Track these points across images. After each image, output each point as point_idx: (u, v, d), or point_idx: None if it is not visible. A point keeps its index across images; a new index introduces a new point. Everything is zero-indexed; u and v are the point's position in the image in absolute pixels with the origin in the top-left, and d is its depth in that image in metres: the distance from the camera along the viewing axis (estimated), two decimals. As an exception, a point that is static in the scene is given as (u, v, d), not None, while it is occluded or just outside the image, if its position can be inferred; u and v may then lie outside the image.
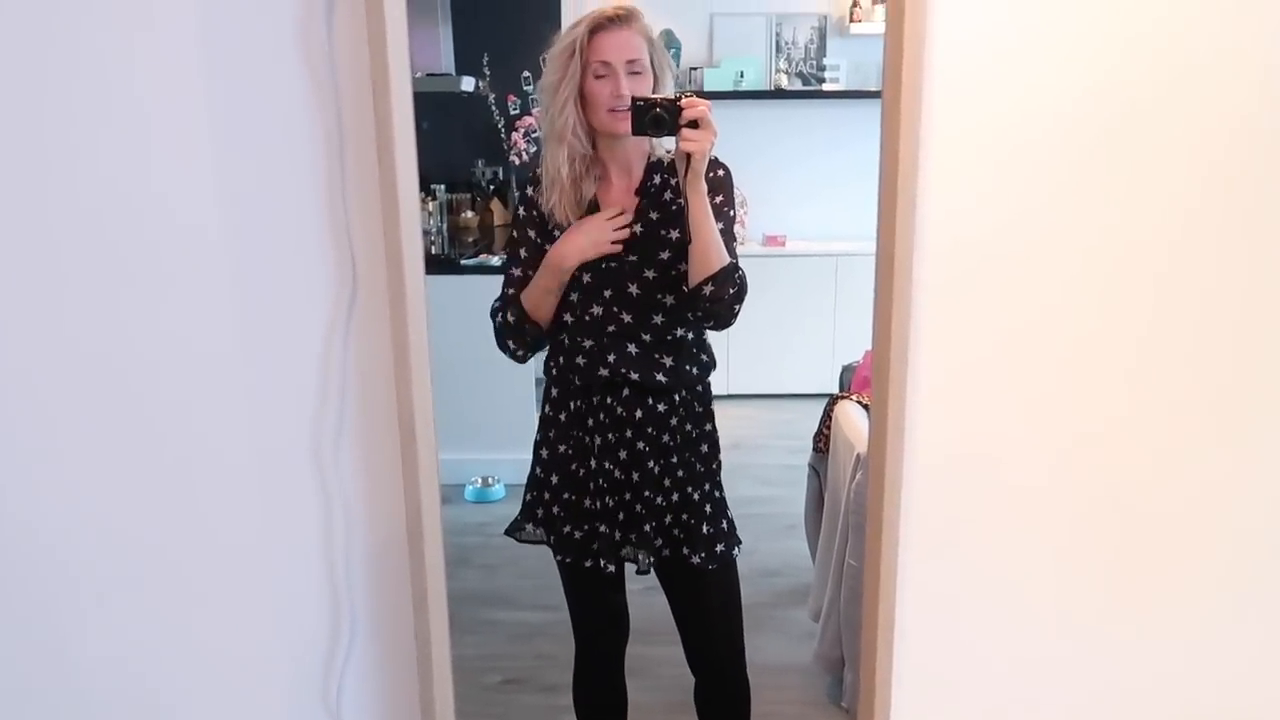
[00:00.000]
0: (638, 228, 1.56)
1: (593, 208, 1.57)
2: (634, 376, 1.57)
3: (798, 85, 4.67)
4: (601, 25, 1.49)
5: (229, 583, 1.10)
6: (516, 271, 1.62)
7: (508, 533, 1.73)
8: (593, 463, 1.62)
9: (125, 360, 1.05)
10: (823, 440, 2.54)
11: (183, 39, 0.96)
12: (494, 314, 1.64)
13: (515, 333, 1.61)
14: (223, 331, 1.03)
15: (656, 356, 1.58)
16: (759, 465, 3.70)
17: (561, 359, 1.61)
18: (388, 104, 0.88)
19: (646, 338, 1.57)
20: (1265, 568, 1.13)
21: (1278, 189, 1.03)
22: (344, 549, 1.06)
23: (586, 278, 1.55)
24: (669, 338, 1.59)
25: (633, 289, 1.55)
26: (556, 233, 1.57)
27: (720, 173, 1.55)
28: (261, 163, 0.99)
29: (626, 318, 1.56)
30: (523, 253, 1.62)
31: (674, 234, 1.54)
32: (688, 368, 1.62)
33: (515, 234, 1.63)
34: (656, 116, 1.43)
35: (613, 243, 1.54)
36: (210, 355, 1.04)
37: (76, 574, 1.10)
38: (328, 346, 1.01)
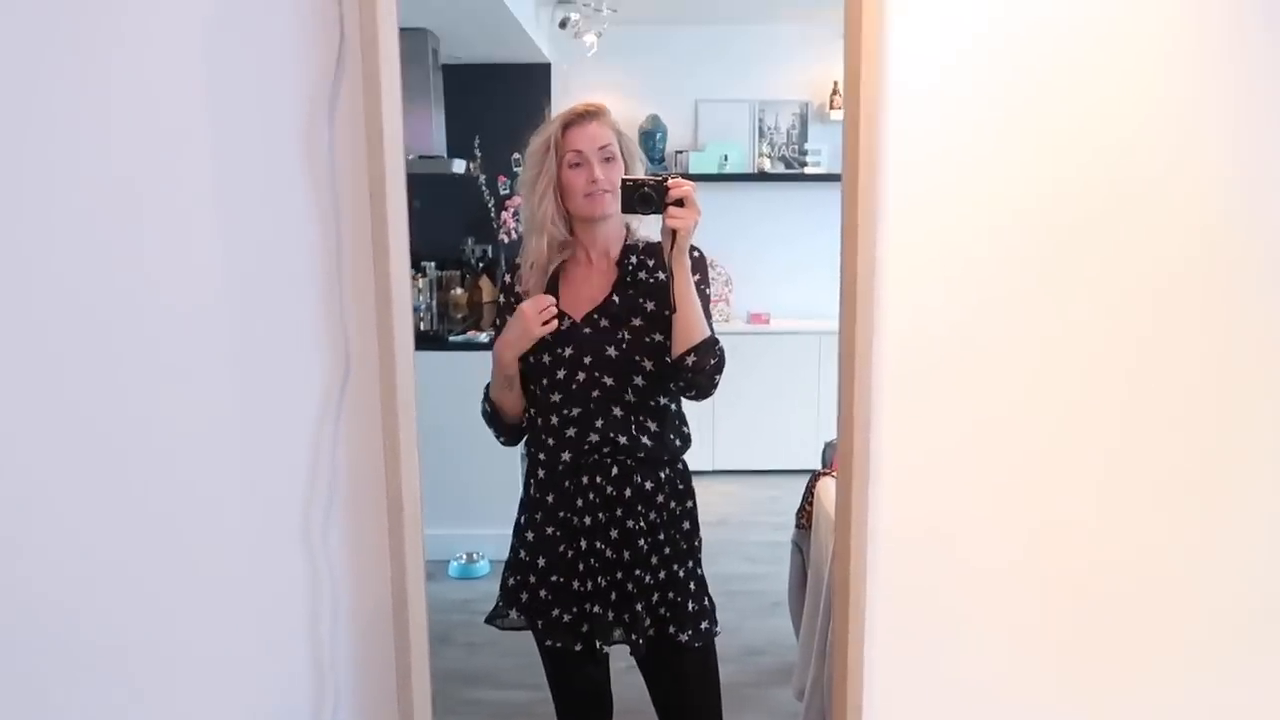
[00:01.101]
0: (615, 298, 1.61)
1: (553, 286, 1.63)
2: (622, 441, 1.60)
3: (780, 168, 4.80)
4: (573, 120, 1.60)
5: (215, 656, 1.11)
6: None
7: (489, 621, 1.73)
8: (583, 543, 1.63)
9: (121, 439, 1.07)
10: (805, 516, 2.55)
11: (192, 128, 1.02)
12: (483, 397, 1.69)
13: (493, 421, 1.69)
14: (219, 410, 1.07)
15: (641, 419, 1.62)
16: (744, 542, 3.69)
17: (550, 438, 1.63)
18: (383, 197, 0.93)
19: (631, 399, 1.61)
20: (1225, 653, 1.16)
21: (1235, 286, 1.09)
22: (330, 626, 1.08)
23: (568, 350, 1.60)
24: (651, 403, 1.63)
25: (610, 351, 1.60)
26: None
27: (696, 254, 1.62)
28: (262, 249, 1.04)
29: (609, 380, 1.61)
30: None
31: (650, 305, 1.60)
32: (671, 438, 1.66)
33: (497, 321, 1.70)
34: (644, 195, 1.51)
35: (545, 325, 1.57)
36: (205, 434, 1.07)
37: (65, 644, 1.11)
38: (320, 426, 1.04)
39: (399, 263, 0.95)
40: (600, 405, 1.61)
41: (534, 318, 1.57)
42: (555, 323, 1.58)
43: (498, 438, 1.70)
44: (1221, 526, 1.14)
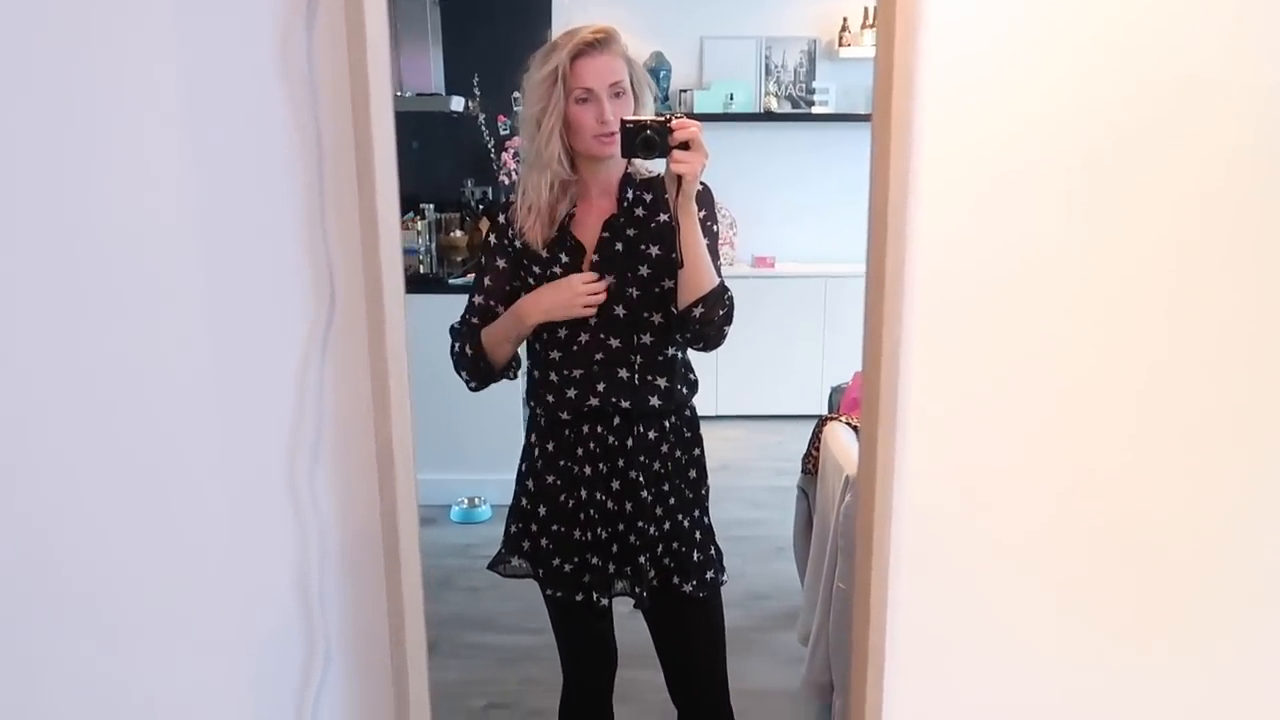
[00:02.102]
0: (618, 245, 1.55)
1: (563, 230, 1.55)
2: (624, 404, 1.55)
3: (787, 108, 4.69)
4: (582, 51, 1.48)
5: (199, 609, 1.08)
6: (478, 299, 1.60)
7: (491, 567, 1.71)
8: (583, 493, 1.60)
9: (97, 379, 1.03)
10: (811, 462, 2.53)
11: (159, 55, 0.95)
12: (452, 336, 1.62)
13: (470, 365, 1.60)
14: (197, 351, 1.02)
15: (650, 379, 1.57)
16: (748, 487, 3.68)
17: (550, 394, 1.58)
18: (368, 121, 0.87)
19: (638, 360, 1.56)
20: (1267, 604, 1.12)
21: (1271, 205, 1.03)
22: (318, 575, 1.04)
23: None
24: (660, 358, 1.58)
25: (619, 310, 1.54)
26: (525, 260, 1.56)
27: (700, 187, 1.54)
28: (239, 181, 0.98)
29: (615, 342, 1.55)
30: (487, 280, 1.60)
31: (654, 250, 1.53)
32: (679, 388, 1.61)
33: (483, 259, 1.61)
34: (647, 139, 1.42)
35: (590, 306, 1.51)
36: (184, 375, 1.02)
37: (42, 597, 1.08)
38: (304, 367, 1.00)
39: (386, 192, 0.89)
40: (604, 368, 1.55)
41: (583, 294, 1.50)
42: (598, 300, 1.51)
43: (468, 383, 1.63)
44: (1272, 468, 1.08)
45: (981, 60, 0.98)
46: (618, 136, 1.46)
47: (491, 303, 1.59)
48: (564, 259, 1.55)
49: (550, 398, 1.58)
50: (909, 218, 0.97)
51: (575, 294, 1.50)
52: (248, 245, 0.99)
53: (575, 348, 1.55)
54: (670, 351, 1.59)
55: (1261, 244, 1.03)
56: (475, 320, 1.60)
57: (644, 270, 1.54)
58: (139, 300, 1.01)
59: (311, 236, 0.96)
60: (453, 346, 1.62)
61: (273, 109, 0.94)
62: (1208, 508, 1.09)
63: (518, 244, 1.57)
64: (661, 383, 1.58)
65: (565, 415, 1.57)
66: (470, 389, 1.64)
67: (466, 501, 3.47)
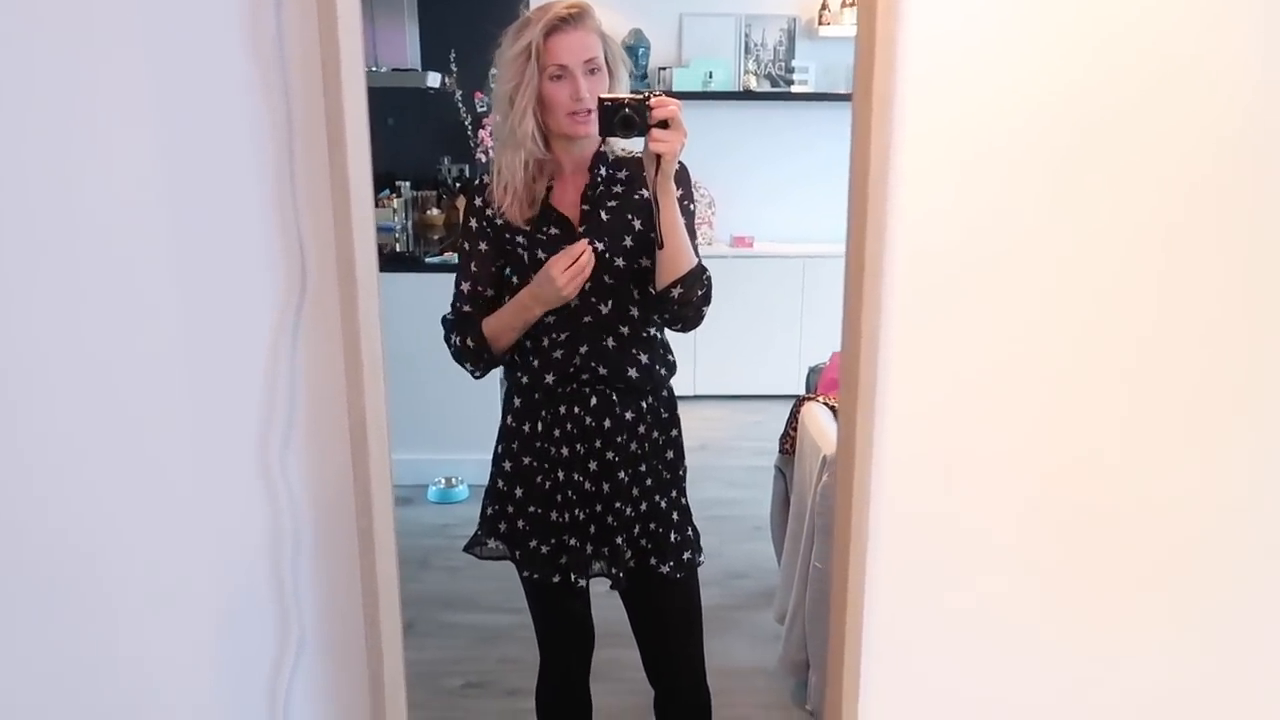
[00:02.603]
0: (601, 215, 1.53)
1: (545, 208, 1.54)
2: (602, 372, 1.55)
3: (766, 87, 4.67)
4: (555, 26, 1.44)
5: (171, 592, 1.06)
6: (466, 286, 1.58)
7: (467, 549, 1.70)
8: (560, 474, 1.59)
9: (64, 360, 1.01)
10: (789, 442, 2.54)
11: (125, 29, 0.93)
12: (446, 328, 1.60)
13: (474, 356, 1.58)
14: (166, 332, 1.00)
15: (633, 352, 1.56)
16: (726, 467, 3.69)
17: (534, 357, 1.57)
18: (339, 96, 0.85)
19: (624, 330, 1.55)
20: (1246, 594, 1.13)
21: (1257, 185, 1.03)
22: (291, 556, 1.03)
23: None
24: (644, 334, 1.57)
25: (607, 278, 1.52)
26: (509, 235, 1.54)
27: (678, 166, 1.52)
28: (208, 157, 0.95)
29: (604, 308, 1.54)
30: (473, 266, 1.57)
31: (637, 223, 1.52)
32: (658, 368, 1.60)
33: (466, 245, 1.58)
34: (626, 117, 1.39)
35: (574, 288, 1.47)
36: (153, 356, 1.00)
37: (8, 577, 1.06)
38: (275, 347, 0.98)
39: (358, 168, 0.87)
40: (590, 333, 1.54)
41: (560, 279, 1.45)
42: (581, 285, 1.48)
43: (472, 373, 1.61)
44: (1259, 459, 1.09)
45: (964, 37, 0.97)
46: (593, 114, 1.43)
47: (480, 288, 1.57)
48: (552, 231, 1.53)
49: (536, 362, 1.56)
50: (889, 197, 0.96)
51: (556, 284, 1.46)
52: (217, 224, 0.97)
53: (565, 310, 1.53)
54: (652, 330, 1.58)
55: (1248, 225, 1.03)
56: (467, 309, 1.58)
57: (628, 240, 1.52)
58: (107, 280, 0.99)
59: (282, 214, 0.95)
60: (449, 339, 1.59)
61: (241, 84, 0.92)
62: (1192, 493, 1.10)
63: (498, 222, 1.55)
64: (643, 358, 1.57)
65: (549, 379, 1.55)
66: (475, 378, 1.62)
67: (443, 481, 3.46)
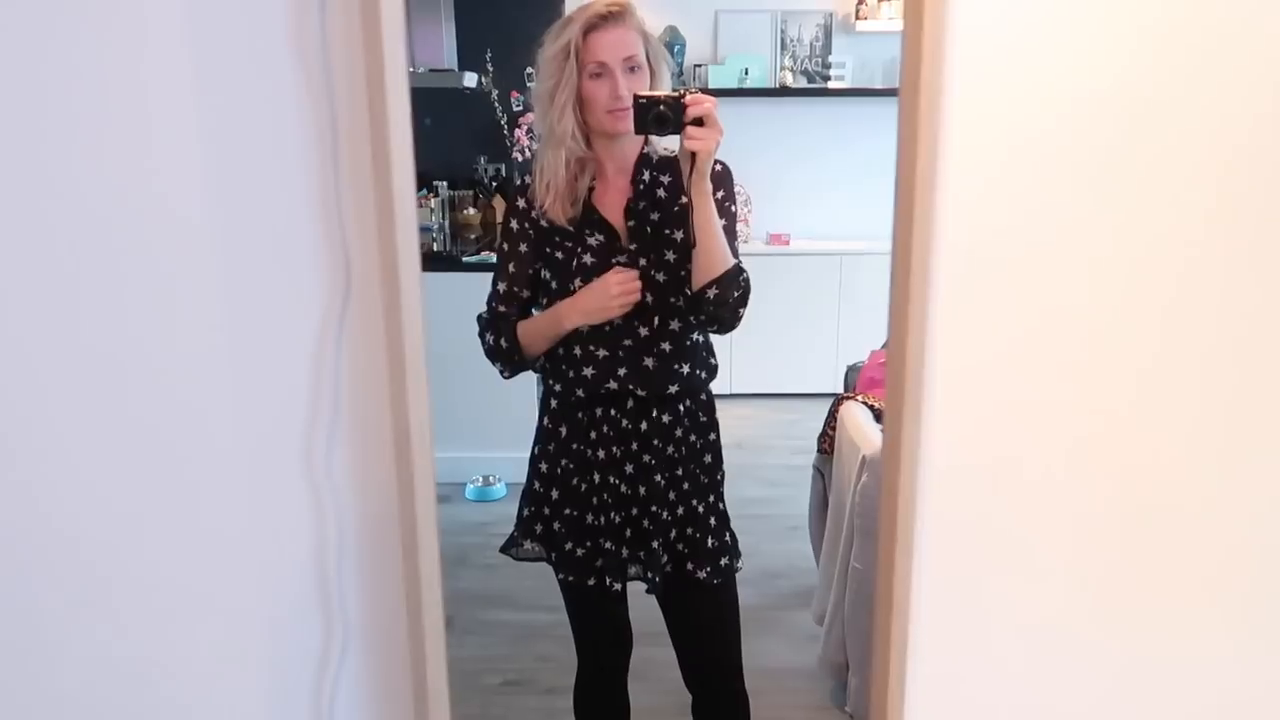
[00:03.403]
0: (645, 230, 1.52)
1: (588, 207, 1.53)
2: (641, 393, 1.54)
3: (803, 83, 4.64)
4: (595, 24, 1.44)
5: (217, 590, 1.07)
6: (503, 286, 1.58)
7: (504, 550, 1.70)
8: (596, 477, 1.58)
9: (111, 361, 1.02)
10: (827, 441, 2.52)
11: (171, 32, 0.94)
12: (481, 326, 1.60)
13: (505, 357, 1.58)
14: (213, 332, 1.01)
15: (675, 367, 1.54)
16: (763, 466, 3.68)
17: (570, 370, 1.56)
18: (383, 99, 0.85)
19: (666, 347, 1.53)
20: None
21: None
22: (336, 556, 1.04)
23: None
24: (686, 344, 1.55)
25: (647, 297, 1.51)
26: (557, 238, 1.54)
27: (719, 167, 1.51)
28: (253, 160, 0.96)
29: (643, 330, 1.52)
30: (511, 267, 1.57)
31: (678, 234, 1.51)
32: (699, 373, 1.59)
33: (505, 246, 1.58)
34: (660, 114, 1.38)
35: (624, 305, 1.48)
36: (200, 356, 1.02)
37: (59, 579, 1.08)
38: (320, 348, 0.99)
39: (402, 171, 0.88)
40: (629, 354, 1.53)
41: (618, 293, 1.47)
42: (631, 305, 1.49)
43: (501, 372, 1.61)
44: None
45: (1012, 27, 0.95)
46: (629, 111, 1.43)
47: (516, 288, 1.57)
48: (599, 238, 1.53)
49: (570, 373, 1.56)
50: (937, 190, 0.94)
51: (610, 296, 1.47)
52: (263, 226, 0.97)
53: (606, 329, 1.52)
54: (695, 336, 1.57)
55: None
56: (503, 309, 1.58)
57: (670, 255, 1.51)
58: (155, 284, 1.00)
59: (327, 217, 0.95)
60: (483, 336, 1.60)
61: (286, 88, 0.93)
62: (1250, 498, 1.07)
63: (542, 223, 1.54)
64: (684, 369, 1.56)
65: (581, 393, 1.55)
66: (504, 377, 1.62)
67: (481, 480, 3.48)
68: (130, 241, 0.99)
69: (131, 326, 1.01)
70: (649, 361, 1.54)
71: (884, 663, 0.98)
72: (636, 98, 1.40)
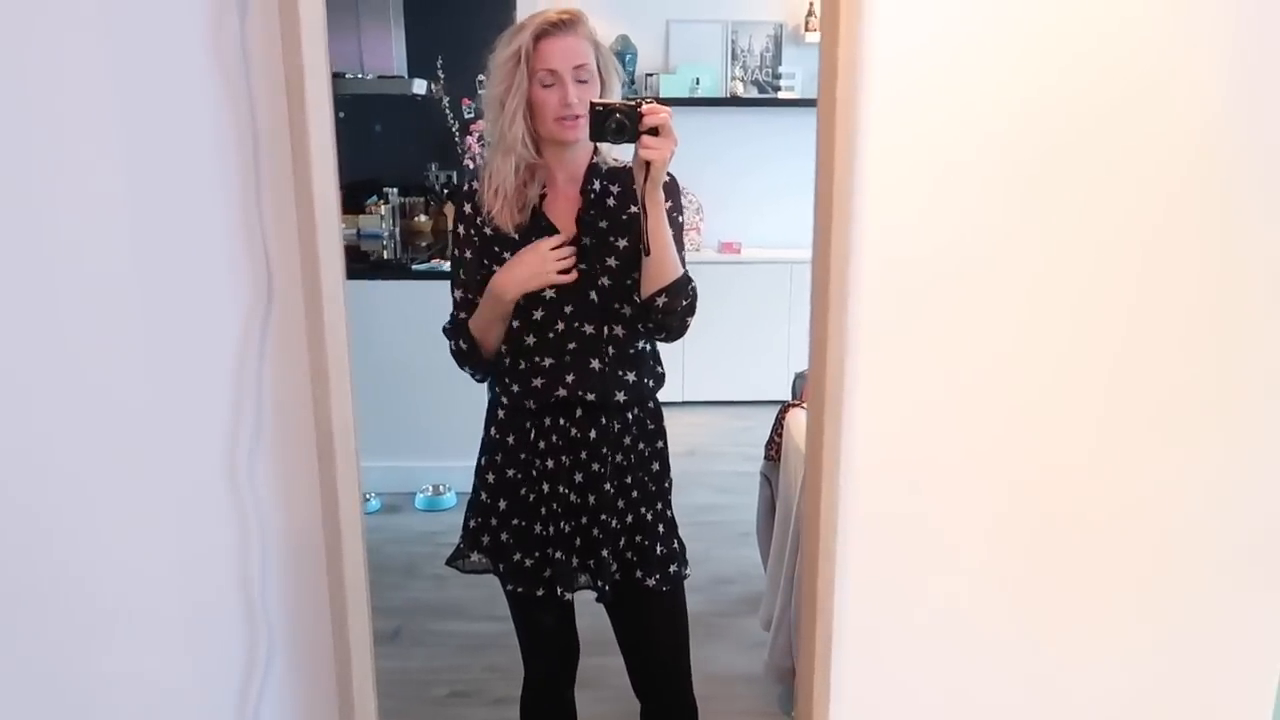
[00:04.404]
0: (586, 240, 1.53)
1: (536, 214, 1.53)
2: (590, 398, 1.53)
3: (753, 93, 4.68)
4: (546, 31, 1.45)
5: (139, 603, 1.06)
6: (458, 294, 1.58)
7: (450, 562, 1.68)
8: (545, 487, 1.58)
9: (29, 371, 1.00)
10: (774, 448, 2.53)
11: (89, 38, 0.92)
12: (446, 336, 1.60)
13: (468, 359, 1.58)
14: (132, 342, 0.99)
15: (620, 374, 1.55)
16: (713, 473, 3.69)
17: (516, 382, 1.56)
18: (303, 105, 0.85)
19: (611, 351, 1.53)
20: (1212, 605, 1.13)
21: (1222, 198, 1.03)
22: (260, 567, 1.03)
23: (549, 293, 1.51)
24: (631, 351, 1.55)
25: (593, 296, 1.52)
26: (496, 247, 1.54)
27: (668, 179, 1.51)
28: (172, 168, 0.95)
29: (589, 330, 1.52)
30: (462, 274, 1.57)
31: (622, 242, 1.52)
32: (646, 381, 1.59)
33: (456, 253, 1.58)
34: (618, 122, 1.38)
35: (560, 273, 1.48)
36: (121, 366, 1.00)
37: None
38: (242, 357, 0.98)
39: (324, 178, 0.87)
40: (576, 358, 1.52)
41: (550, 258, 1.46)
42: (575, 273, 1.48)
43: (473, 376, 1.60)
44: (1225, 468, 1.10)
45: (929, 51, 0.97)
46: (581, 120, 1.43)
47: (470, 295, 1.56)
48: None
49: (516, 386, 1.56)
50: (855, 208, 0.96)
51: (545, 259, 1.47)
52: (183, 234, 0.96)
53: (551, 335, 1.52)
54: (640, 345, 1.57)
55: (1213, 238, 1.04)
56: (463, 315, 1.57)
57: (613, 261, 1.51)
58: (72, 290, 0.98)
59: (248, 225, 0.94)
60: (450, 347, 1.59)
61: (206, 94, 0.92)
62: (1157, 501, 1.10)
63: (487, 230, 1.54)
64: (630, 376, 1.56)
65: (531, 404, 1.55)
66: (476, 381, 1.61)
67: (431, 489, 3.45)
68: (48, 252, 0.98)
69: (50, 337, 0.99)
70: (595, 364, 1.53)
71: (808, 664, 0.99)
72: (593, 105, 1.40)
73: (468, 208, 1.56)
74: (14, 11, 0.92)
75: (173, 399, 1.00)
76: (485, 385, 1.65)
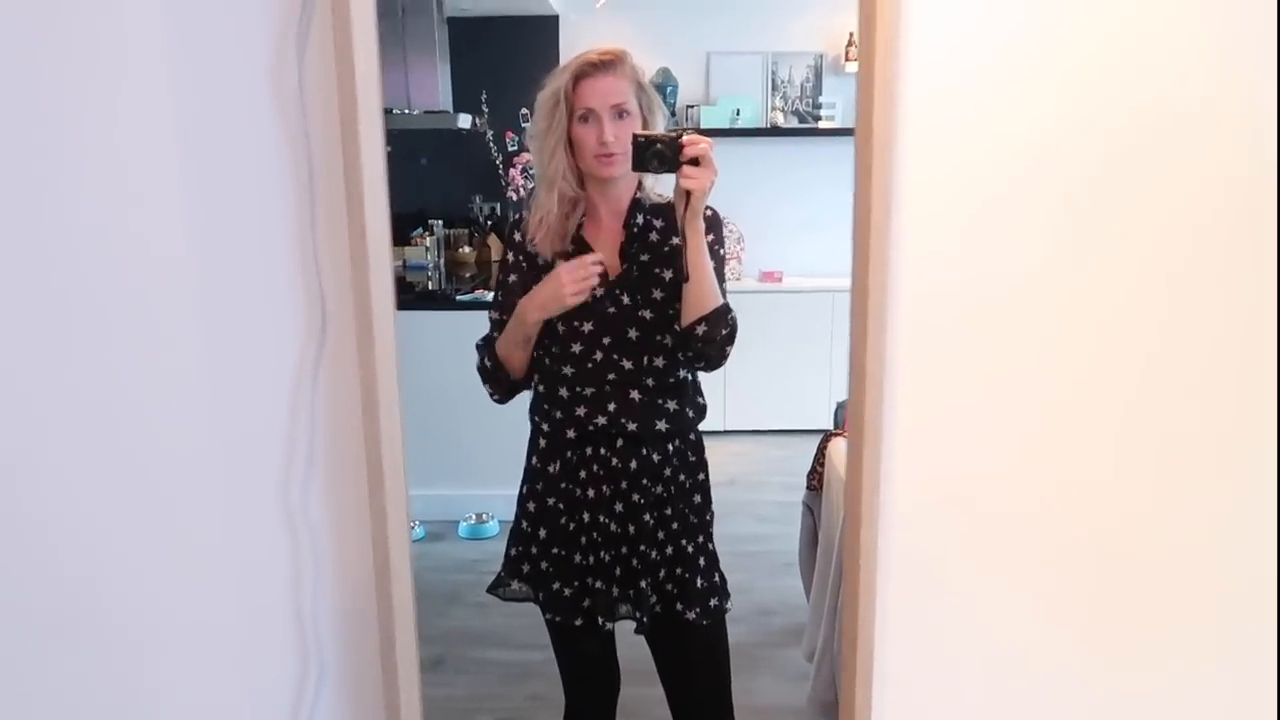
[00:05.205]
0: (633, 269, 1.54)
1: (580, 243, 1.56)
2: (631, 427, 1.55)
3: (794, 123, 4.69)
4: (585, 72, 1.49)
5: (193, 628, 1.08)
6: (495, 315, 1.62)
7: (491, 590, 1.70)
8: (585, 516, 1.59)
9: (92, 400, 1.03)
10: (816, 478, 2.52)
11: (154, 78, 0.96)
12: (478, 353, 1.64)
13: (491, 378, 1.61)
14: (190, 373, 1.02)
15: (660, 403, 1.56)
16: (755, 502, 3.66)
17: (558, 410, 1.58)
18: (356, 141, 0.88)
19: (650, 383, 1.55)
20: (1248, 616, 1.11)
21: (1256, 228, 1.02)
22: (312, 593, 1.04)
23: (588, 326, 1.53)
24: (671, 381, 1.57)
25: (632, 333, 1.53)
26: (537, 271, 1.56)
27: (709, 213, 1.54)
28: (232, 201, 0.99)
29: (627, 364, 1.54)
30: (501, 296, 1.61)
31: (667, 274, 1.53)
32: (688, 412, 1.60)
33: (500, 276, 1.62)
34: (659, 153, 1.41)
35: (577, 293, 1.48)
36: (178, 395, 1.03)
37: (37, 612, 1.08)
38: (296, 387, 1.00)
39: (376, 212, 0.89)
40: (615, 389, 1.54)
41: (569, 283, 1.48)
42: (586, 294, 1.49)
43: (492, 395, 1.63)
44: (1249, 484, 1.08)
45: (968, 81, 0.98)
46: (619, 156, 1.47)
47: (505, 317, 1.59)
48: None
49: (558, 414, 1.57)
50: (892, 238, 0.96)
51: (560, 284, 1.48)
52: (240, 265, 0.99)
53: (590, 365, 1.54)
54: (681, 374, 1.58)
55: (1247, 266, 1.03)
56: (495, 335, 1.61)
57: (657, 294, 1.53)
58: (132, 321, 1.02)
59: (303, 256, 0.97)
60: (476, 364, 1.63)
61: (264, 130, 0.95)
62: (1193, 519, 1.08)
63: (534, 257, 1.57)
64: (671, 406, 1.57)
65: (571, 434, 1.56)
66: (495, 401, 1.64)
67: (474, 517, 3.47)
68: (111, 280, 1.01)
69: (112, 363, 1.03)
70: (635, 395, 1.54)
71: (850, 694, 0.98)
72: (635, 137, 1.43)
73: (517, 235, 1.61)
74: (83, 52, 0.96)
75: (230, 425, 1.03)
76: (527, 414, 1.67)
